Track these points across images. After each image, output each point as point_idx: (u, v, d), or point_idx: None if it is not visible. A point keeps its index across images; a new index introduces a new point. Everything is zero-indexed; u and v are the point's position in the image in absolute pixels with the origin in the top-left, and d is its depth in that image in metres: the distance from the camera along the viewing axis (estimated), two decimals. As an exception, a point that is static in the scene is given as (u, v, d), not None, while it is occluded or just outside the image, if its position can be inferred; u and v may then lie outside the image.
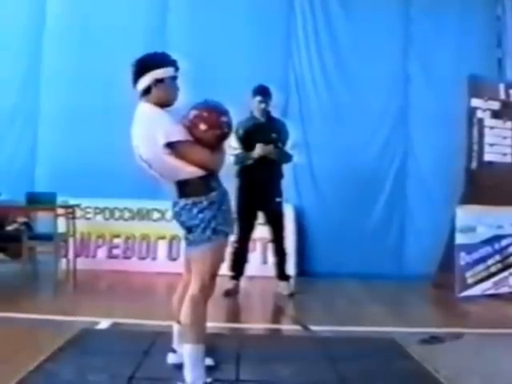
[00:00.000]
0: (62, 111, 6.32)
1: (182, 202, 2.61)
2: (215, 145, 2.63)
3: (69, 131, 6.24)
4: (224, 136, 2.66)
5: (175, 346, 2.92)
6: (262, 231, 5.30)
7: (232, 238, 4.70)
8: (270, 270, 5.31)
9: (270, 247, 5.29)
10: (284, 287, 5.06)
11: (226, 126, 2.63)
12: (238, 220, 4.85)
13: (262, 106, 4.92)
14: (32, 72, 6.50)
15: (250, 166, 4.89)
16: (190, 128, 2.59)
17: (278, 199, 5.03)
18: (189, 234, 2.66)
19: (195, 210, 2.57)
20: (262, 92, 4.93)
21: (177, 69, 2.71)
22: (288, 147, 5.03)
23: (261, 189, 4.85)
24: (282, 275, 5.08)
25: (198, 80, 6.05)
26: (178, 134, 2.55)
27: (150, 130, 2.56)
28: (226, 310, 4.62)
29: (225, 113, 2.66)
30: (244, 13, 6.38)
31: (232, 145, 4.74)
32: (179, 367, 2.63)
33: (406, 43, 6.37)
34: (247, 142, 4.85)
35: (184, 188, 2.60)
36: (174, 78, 2.70)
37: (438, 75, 6.21)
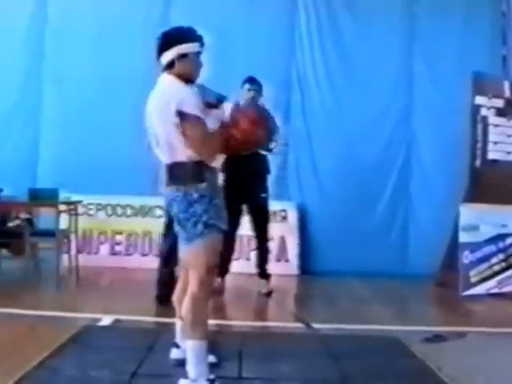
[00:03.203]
0: (65, 107, 6.33)
1: (173, 191, 2.56)
2: (236, 146, 2.62)
3: (71, 127, 6.25)
4: (252, 144, 2.66)
5: (178, 340, 2.91)
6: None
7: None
8: (274, 267, 5.29)
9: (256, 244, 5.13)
10: (263, 285, 5.02)
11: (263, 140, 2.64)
12: None
13: (251, 94, 4.86)
14: (34, 68, 6.51)
15: (236, 159, 4.78)
16: (233, 119, 2.56)
17: (263, 195, 4.95)
18: (181, 228, 2.61)
19: (185, 204, 2.52)
20: (251, 80, 4.91)
21: (202, 44, 2.68)
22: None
23: (247, 183, 4.72)
24: (263, 274, 5.03)
25: (201, 78, 6.04)
26: (193, 106, 2.50)
27: (166, 98, 2.52)
28: (229, 307, 4.61)
29: (273, 132, 2.70)
30: (247, 10, 6.37)
31: None
32: (182, 363, 2.62)
33: (410, 40, 6.35)
34: None
35: (175, 172, 2.55)
36: (199, 53, 2.67)
37: (442, 73, 6.19)
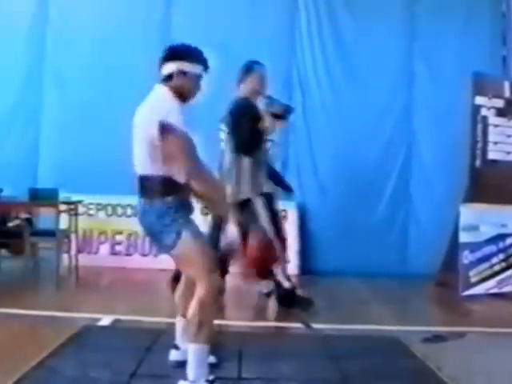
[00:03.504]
0: (65, 108, 6.33)
1: (142, 204, 2.59)
2: None
3: (71, 127, 6.25)
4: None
5: (178, 342, 2.91)
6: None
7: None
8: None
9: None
10: (263, 285, 5.00)
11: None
12: None
13: None
14: (35, 68, 6.52)
15: None
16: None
17: None
18: (155, 241, 2.62)
19: (155, 216, 2.53)
20: None
21: (205, 69, 2.69)
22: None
23: None
24: None
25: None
26: (178, 121, 2.47)
27: (153, 108, 2.54)
28: (229, 307, 4.61)
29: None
30: (248, 10, 6.37)
31: (222, 137, 4.75)
32: (181, 365, 2.62)
33: (411, 40, 6.36)
34: None
35: (144, 184, 2.57)
36: (199, 76, 2.67)
37: (442, 73, 6.19)
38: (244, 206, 4.22)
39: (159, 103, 2.56)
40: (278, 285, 4.44)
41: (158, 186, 2.54)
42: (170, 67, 2.62)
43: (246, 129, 4.19)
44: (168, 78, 2.63)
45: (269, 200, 4.33)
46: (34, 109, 6.49)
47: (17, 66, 6.49)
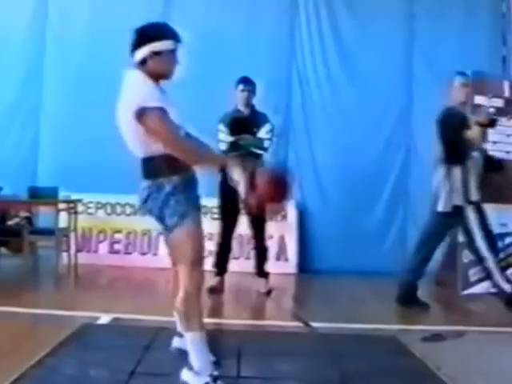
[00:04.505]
0: (65, 106, 6.33)
1: (146, 185, 2.56)
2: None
3: (71, 126, 6.25)
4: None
5: (179, 329, 2.91)
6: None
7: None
8: (274, 266, 5.29)
9: (255, 243, 5.11)
10: (262, 284, 5.01)
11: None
12: (220, 215, 4.92)
13: (245, 94, 4.89)
14: (35, 67, 6.53)
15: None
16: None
17: None
18: (159, 222, 2.60)
19: (160, 197, 2.51)
20: (244, 81, 4.92)
21: (177, 41, 2.60)
22: (262, 133, 4.88)
23: None
24: (261, 272, 5.03)
25: (201, 77, 6.03)
26: (155, 100, 2.43)
27: (133, 96, 2.48)
28: (229, 306, 4.61)
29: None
30: (248, 10, 6.37)
31: (220, 138, 4.76)
32: (183, 353, 2.63)
33: (410, 40, 6.36)
34: (230, 134, 4.82)
35: (148, 165, 2.54)
36: (173, 51, 2.59)
37: (441, 72, 6.16)
38: (455, 214, 4.46)
39: (136, 90, 2.50)
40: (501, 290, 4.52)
41: (162, 165, 2.50)
42: (142, 52, 2.53)
43: (453, 138, 4.35)
44: (142, 63, 2.54)
45: (478, 208, 4.52)
46: (33, 108, 6.49)
47: (16, 65, 6.49)
